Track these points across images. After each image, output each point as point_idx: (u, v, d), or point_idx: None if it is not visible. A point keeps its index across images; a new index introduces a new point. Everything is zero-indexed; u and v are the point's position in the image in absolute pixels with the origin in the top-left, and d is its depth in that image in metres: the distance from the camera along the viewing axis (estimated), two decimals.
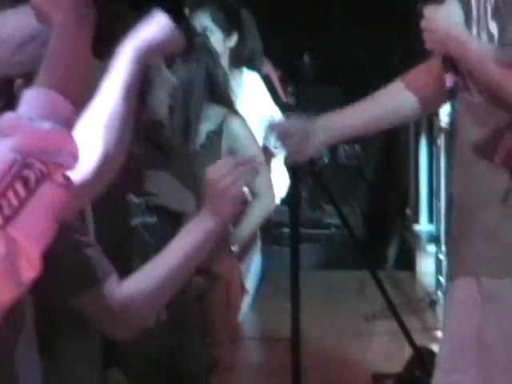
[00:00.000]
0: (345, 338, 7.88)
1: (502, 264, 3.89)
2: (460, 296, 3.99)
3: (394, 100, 4.36)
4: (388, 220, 10.36)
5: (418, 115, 4.53)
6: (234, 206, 3.24)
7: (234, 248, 6.82)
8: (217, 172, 3.19)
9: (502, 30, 3.86)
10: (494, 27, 3.89)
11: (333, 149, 9.86)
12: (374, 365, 7.16)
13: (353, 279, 8.43)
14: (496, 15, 3.87)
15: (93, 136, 2.86)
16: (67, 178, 2.12)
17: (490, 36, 3.88)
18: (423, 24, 3.87)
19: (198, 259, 3.23)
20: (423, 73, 4.23)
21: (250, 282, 8.31)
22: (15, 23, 2.87)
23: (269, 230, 8.41)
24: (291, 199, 6.38)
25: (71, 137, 2.16)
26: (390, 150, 10.63)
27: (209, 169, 3.27)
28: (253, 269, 8.39)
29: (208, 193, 3.27)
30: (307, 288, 5.77)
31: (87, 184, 2.83)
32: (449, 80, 3.88)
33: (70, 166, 2.12)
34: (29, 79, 2.60)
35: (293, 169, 5.89)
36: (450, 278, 4.17)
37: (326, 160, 10.12)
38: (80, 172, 2.69)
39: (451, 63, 3.80)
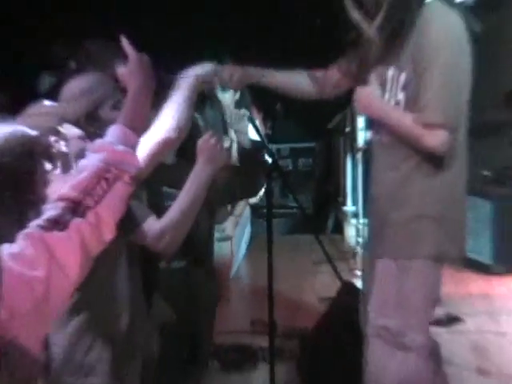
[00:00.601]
0: (301, 276, 9.28)
1: (410, 249, 4.36)
2: (383, 268, 4.45)
3: (298, 79, 4.97)
4: (328, 204, 11.77)
5: (310, 96, 5.02)
6: (220, 155, 4.22)
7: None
8: (206, 138, 4.17)
9: (408, 99, 4.22)
10: (401, 96, 4.23)
11: (294, 160, 11.89)
12: (320, 292, 8.36)
13: (306, 240, 9.32)
14: (405, 88, 4.22)
15: (170, 116, 3.93)
16: (132, 179, 2.80)
17: (397, 102, 4.25)
18: (356, 98, 4.41)
19: (202, 195, 4.14)
20: (327, 74, 4.86)
21: (245, 241, 9.79)
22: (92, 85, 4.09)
23: (256, 210, 10.04)
24: (267, 191, 6.65)
25: (135, 155, 2.91)
26: (329, 161, 12.01)
27: (201, 139, 4.23)
28: (246, 233, 9.91)
29: (201, 152, 4.16)
30: (278, 246, 6.19)
31: (170, 140, 3.99)
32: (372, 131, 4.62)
33: (133, 173, 2.79)
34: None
35: (268, 172, 6.66)
36: (374, 255, 4.62)
37: (291, 167, 11.95)
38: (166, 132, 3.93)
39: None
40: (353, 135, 10.39)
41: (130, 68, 3.25)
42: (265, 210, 6.79)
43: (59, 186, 3.29)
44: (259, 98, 9.82)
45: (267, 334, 5.96)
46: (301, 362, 6.54)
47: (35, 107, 4.27)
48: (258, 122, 8.40)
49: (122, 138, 2.89)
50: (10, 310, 2.33)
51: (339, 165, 11.16)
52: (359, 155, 10.09)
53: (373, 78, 4.33)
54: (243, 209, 9.26)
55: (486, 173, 9.46)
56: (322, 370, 6.18)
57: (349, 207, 10.78)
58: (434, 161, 4.22)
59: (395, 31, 4.09)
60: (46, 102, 4.39)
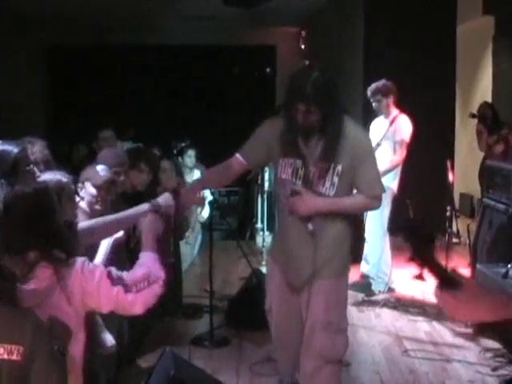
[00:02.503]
0: (229, 264, 8.87)
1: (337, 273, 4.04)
2: (320, 286, 3.96)
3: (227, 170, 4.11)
4: (246, 222, 11.00)
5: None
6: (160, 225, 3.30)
7: None
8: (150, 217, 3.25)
9: (340, 182, 3.87)
10: (336, 180, 3.86)
11: (228, 197, 11.24)
12: (240, 273, 8.15)
13: (233, 244, 8.71)
14: (339, 175, 3.85)
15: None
16: (161, 286, 2.79)
17: (333, 183, 3.86)
18: (297, 207, 3.85)
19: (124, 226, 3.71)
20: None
21: (198, 244, 9.47)
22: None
23: (204, 225, 9.37)
24: (210, 215, 7.44)
25: (162, 274, 2.83)
26: (248, 196, 11.20)
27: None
28: (198, 239, 9.50)
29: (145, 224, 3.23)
30: (216, 247, 6.64)
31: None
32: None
33: (161, 281, 2.77)
34: None
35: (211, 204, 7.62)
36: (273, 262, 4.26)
37: (226, 201, 11.22)
38: None
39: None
40: (262, 184, 10.31)
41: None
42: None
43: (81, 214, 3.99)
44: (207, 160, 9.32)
45: (209, 297, 6.34)
46: (228, 314, 6.71)
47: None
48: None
49: (154, 259, 2.90)
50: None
51: (253, 200, 10.77)
52: (265, 195, 10.23)
53: (286, 186, 3.95)
54: (196, 225, 9.30)
55: None
56: (240, 318, 6.45)
57: (259, 225, 10.59)
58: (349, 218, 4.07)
59: (329, 141, 3.83)
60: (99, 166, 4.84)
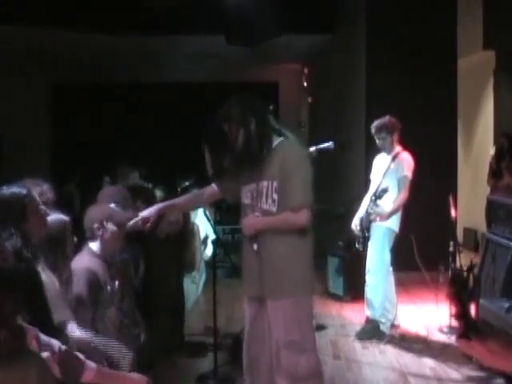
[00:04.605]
0: (233, 301, 8.10)
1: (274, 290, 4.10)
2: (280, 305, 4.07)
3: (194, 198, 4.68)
4: None
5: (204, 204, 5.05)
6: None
7: None
8: None
9: (280, 198, 4.03)
10: (276, 196, 4.03)
11: (232, 235, 11.34)
12: (244, 311, 8.37)
13: (236, 281, 8.29)
14: (277, 191, 4.03)
15: None
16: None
17: (273, 200, 4.04)
18: (243, 225, 4.15)
19: None
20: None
21: (202, 281, 9.16)
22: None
23: (208, 263, 8.98)
24: (213, 253, 6.67)
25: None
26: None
27: None
28: (203, 277, 9.20)
29: None
30: (220, 284, 6.50)
31: None
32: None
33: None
34: None
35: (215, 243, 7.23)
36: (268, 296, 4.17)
37: (230, 239, 11.23)
38: None
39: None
40: None
41: None
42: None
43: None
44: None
45: (213, 335, 6.27)
46: (233, 351, 6.44)
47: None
48: (209, 215, 8.14)
49: None
50: None
51: None
52: None
53: (249, 210, 4.19)
54: (201, 263, 9.10)
55: (339, 242, 9.22)
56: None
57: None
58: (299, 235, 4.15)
59: (255, 160, 4.08)
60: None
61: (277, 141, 4.18)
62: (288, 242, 4.13)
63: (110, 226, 4.59)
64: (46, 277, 3.57)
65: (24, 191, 3.60)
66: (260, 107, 4.25)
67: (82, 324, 3.85)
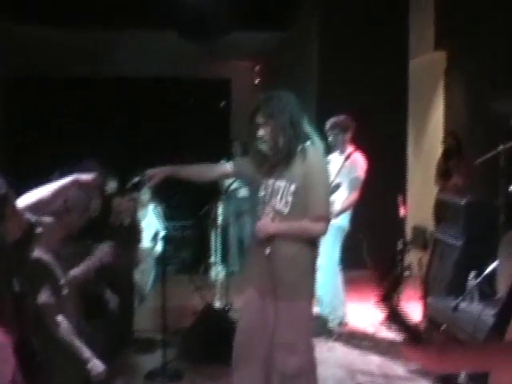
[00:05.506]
0: (182, 298, 8.55)
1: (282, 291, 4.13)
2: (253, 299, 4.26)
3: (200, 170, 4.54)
4: (200, 256, 10.95)
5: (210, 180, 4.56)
6: None
7: None
8: None
9: (294, 201, 4.09)
10: (290, 199, 4.09)
11: (182, 231, 11.19)
12: (193, 307, 7.72)
13: (186, 278, 8.69)
14: (293, 194, 4.08)
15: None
16: None
17: (287, 202, 4.10)
18: (258, 228, 4.16)
19: None
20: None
21: (150, 281, 9.10)
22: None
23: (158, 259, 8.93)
24: (164, 249, 7.10)
25: None
26: (202, 230, 11.07)
27: None
28: (152, 272, 9.10)
29: None
30: (170, 281, 6.58)
31: None
32: None
33: None
34: None
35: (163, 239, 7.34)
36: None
37: (180, 235, 11.08)
38: None
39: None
40: (215, 218, 10.38)
41: None
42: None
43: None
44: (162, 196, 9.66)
45: (162, 331, 6.35)
46: (181, 348, 6.63)
47: None
48: (159, 211, 8.52)
49: None
50: None
51: (208, 234, 10.86)
52: (219, 229, 10.36)
53: (260, 204, 4.24)
54: (150, 259, 9.06)
55: None
56: (194, 352, 6.45)
57: (212, 259, 10.63)
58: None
59: (286, 158, 4.13)
60: None
61: (303, 144, 4.20)
62: (299, 247, 4.19)
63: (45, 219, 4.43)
64: None
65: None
66: (297, 106, 4.23)
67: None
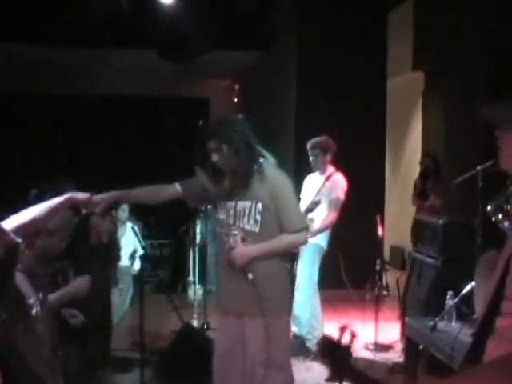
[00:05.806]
0: (160, 317, 8.49)
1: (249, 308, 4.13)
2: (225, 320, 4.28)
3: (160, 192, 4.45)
4: (178, 275, 10.87)
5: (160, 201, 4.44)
6: None
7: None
8: None
9: (263, 219, 4.10)
10: (259, 217, 4.10)
11: (160, 249, 11.13)
12: (171, 327, 7.72)
13: (163, 297, 8.44)
14: (260, 213, 4.10)
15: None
16: None
17: (256, 221, 4.11)
18: (233, 257, 4.10)
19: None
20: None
21: (129, 296, 9.13)
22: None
23: (135, 278, 9.13)
24: (141, 269, 7.25)
25: None
26: (180, 249, 10.98)
27: None
28: (130, 291, 9.16)
29: None
30: (147, 299, 6.63)
31: None
32: None
33: None
34: None
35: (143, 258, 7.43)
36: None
37: (158, 254, 11.07)
38: None
39: None
40: (194, 237, 10.44)
41: None
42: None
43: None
44: (139, 214, 9.62)
45: (139, 351, 6.33)
46: (159, 367, 6.58)
47: None
48: (137, 229, 8.48)
49: None
50: None
51: (185, 253, 10.74)
52: (197, 248, 10.38)
53: (238, 240, 4.16)
54: (127, 278, 9.14)
55: None
56: (171, 371, 6.38)
57: (190, 278, 10.58)
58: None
59: (246, 179, 4.14)
60: None
61: (258, 162, 4.26)
62: (271, 262, 4.21)
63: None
64: None
65: None
66: (248, 129, 4.28)
67: None
